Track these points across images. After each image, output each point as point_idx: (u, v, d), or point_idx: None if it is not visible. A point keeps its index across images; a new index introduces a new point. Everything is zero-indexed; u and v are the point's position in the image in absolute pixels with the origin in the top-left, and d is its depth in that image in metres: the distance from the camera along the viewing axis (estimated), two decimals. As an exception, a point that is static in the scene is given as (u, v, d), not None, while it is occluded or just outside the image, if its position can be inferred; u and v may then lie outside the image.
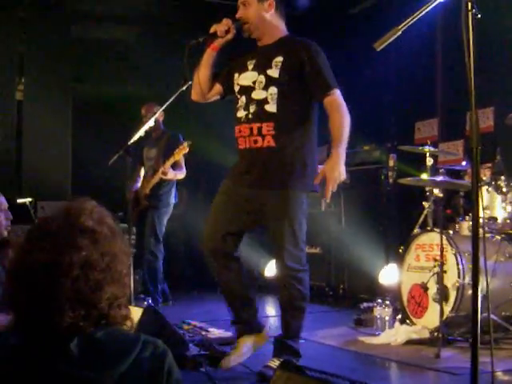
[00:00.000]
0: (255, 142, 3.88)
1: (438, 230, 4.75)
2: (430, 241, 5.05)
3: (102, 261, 1.59)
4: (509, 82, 6.22)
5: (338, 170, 3.63)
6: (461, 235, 5.19)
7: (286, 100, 3.85)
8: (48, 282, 1.53)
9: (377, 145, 7.26)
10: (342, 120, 3.77)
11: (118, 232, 1.69)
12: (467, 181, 5.28)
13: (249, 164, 3.95)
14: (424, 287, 4.94)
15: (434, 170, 5.27)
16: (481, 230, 4.98)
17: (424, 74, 7.50)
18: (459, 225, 5.36)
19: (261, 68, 3.95)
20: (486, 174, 5.21)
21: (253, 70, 3.99)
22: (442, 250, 4.62)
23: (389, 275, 6.32)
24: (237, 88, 4.04)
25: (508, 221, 4.96)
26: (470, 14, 2.20)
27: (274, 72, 3.88)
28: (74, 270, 1.54)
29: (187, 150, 6.41)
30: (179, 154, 6.42)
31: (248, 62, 4.02)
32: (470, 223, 5.00)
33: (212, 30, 3.97)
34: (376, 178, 7.09)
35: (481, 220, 4.69)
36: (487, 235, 5.02)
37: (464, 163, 5.87)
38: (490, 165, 5.28)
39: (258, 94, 3.90)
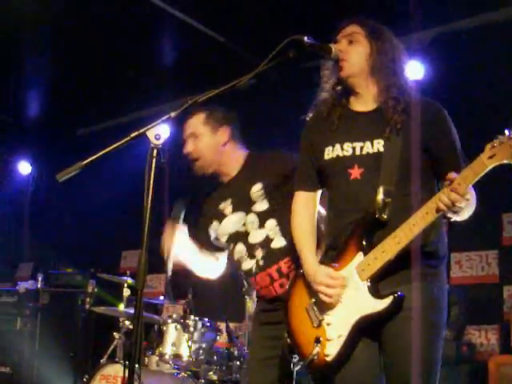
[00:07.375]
0: (281, 285, 3.27)
1: (122, 362, 4.76)
2: (114, 372, 5.02)
3: None
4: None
5: None
6: (148, 369, 5.22)
7: (287, 224, 3.07)
8: None
9: (80, 269, 7.29)
10: None
11: None
12: (159, 317, 5.39)
13: None
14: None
15: (131, 301, 5.33)
16: (168, 366, 5.13)
17: (134, 202, 7.70)
18: (149, 358, 5.39)
19: (244, 205, 3.37)
20: (179, 312, 5.36)
21: (234, 211, 3.42)
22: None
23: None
24: (224, 238, 3.47)
25: (192, 359, 5.09)
26: (154, 159, 2.34)
27: (261, 205, 3.34)
28: None
29: None
30: None
31: (221, 206, 3.45)
32: (158, 358, 5.08)
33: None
34: (74, 303, 7.06)
35: (167, 356, 4.88)
36: (173, 371, 5.11)
37: (162, 298, 6.01)
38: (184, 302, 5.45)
39: (255, 237, 3.35)
